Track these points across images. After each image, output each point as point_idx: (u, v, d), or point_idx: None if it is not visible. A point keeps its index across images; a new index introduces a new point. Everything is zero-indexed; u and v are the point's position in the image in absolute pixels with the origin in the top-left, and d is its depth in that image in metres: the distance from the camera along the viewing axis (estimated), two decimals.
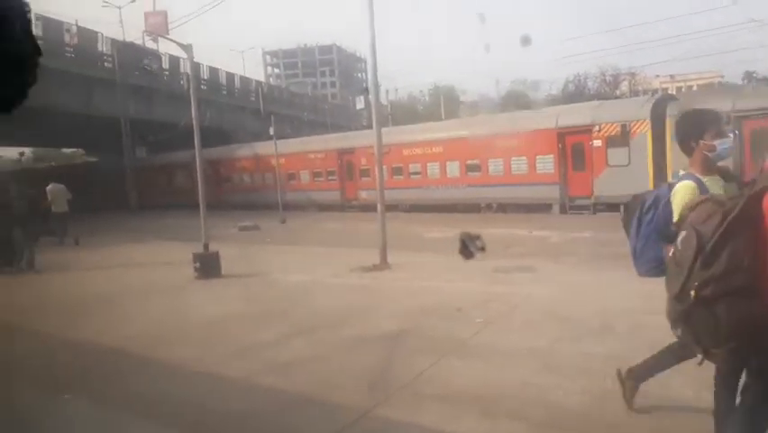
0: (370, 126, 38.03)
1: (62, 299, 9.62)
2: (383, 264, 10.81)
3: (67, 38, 28.60)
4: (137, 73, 33.09)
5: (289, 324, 7.12)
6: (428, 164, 24.41)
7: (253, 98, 43.32)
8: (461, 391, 4.76)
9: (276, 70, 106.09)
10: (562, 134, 20.74)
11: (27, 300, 9.65)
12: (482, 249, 9.55)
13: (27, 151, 48.53)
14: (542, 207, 21.17)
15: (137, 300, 9.17)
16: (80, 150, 50.16)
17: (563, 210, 20.98)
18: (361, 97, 64.90)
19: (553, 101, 47.71)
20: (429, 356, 5.53)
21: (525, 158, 21.59)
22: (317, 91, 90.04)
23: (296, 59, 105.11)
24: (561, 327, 6.27)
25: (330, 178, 28.18)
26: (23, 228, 12.70)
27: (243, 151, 32.99)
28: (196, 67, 29.74)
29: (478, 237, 9.71)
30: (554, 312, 6.88)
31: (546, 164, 21.17)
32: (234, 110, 40.32)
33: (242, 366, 5.58)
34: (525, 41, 40.79)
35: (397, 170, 24.24)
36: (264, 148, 30.03)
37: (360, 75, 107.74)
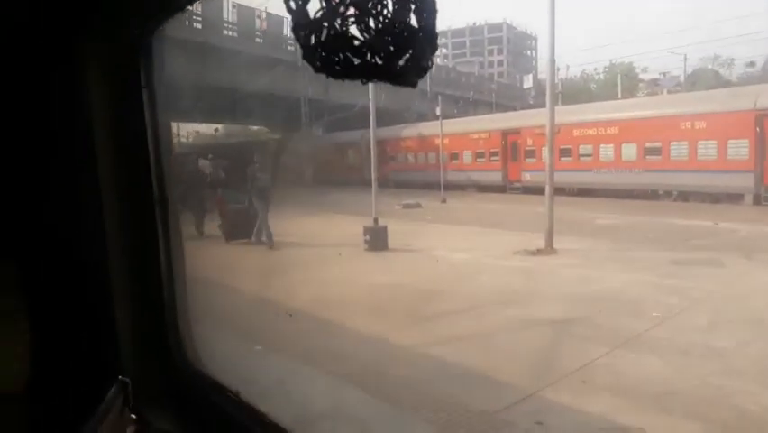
0: (536, 106, 36.59)
1: (257, 264, 10.77)
2: (549, 249, 10.59)
3: (257, 23, 31.48)
4: None
5: (454, 300, 7.35)
6: (601, 146, 23.11)
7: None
8: (634, 384, 4.62)
9: (444, 50, 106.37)
10: (761, 117, 18.36)
11: (236, 264, 10.89)
12: None
13: (220, 127, 54.20)
14: (731, 197, 19.03)
15: (317, 267, 9.99)
16: (264, 128, 54.94)
17: (757, 201, 18.66)
18: (529, 76, 62.80)
19: (750, 80, 42.07)
20: (599, 346, 5.41)
21: (714, 142, 19.50)
22: (484, 70, 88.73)
23: (464, 39, 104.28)
24: (750, 328, 5.75)
25: (493, 158, 27.90)
26: (263, 201, 12.39)
27: (408, 131, 33.83)
28: None
29: None
30: (743, 312, 6.31)
31: (740, 149, 18.93)
32: (402, 91, 41.40)
33: (413, 335, 5.93)
34: None
35: (565, 152, 23.25)
36: (428, 128, 30.50)
37: (529, 53, 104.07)
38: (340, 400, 4.61)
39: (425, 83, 43.57)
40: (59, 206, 1.34)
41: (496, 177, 27.62)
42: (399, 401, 4.65)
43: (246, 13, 30.80)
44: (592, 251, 10.65)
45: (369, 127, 16.35)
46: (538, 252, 10.46)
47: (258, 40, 32.08)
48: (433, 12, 0.57)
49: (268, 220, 12.30)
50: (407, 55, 0.56)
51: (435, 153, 28.66)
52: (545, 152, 14.84)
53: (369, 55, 0.55)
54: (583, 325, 6.16)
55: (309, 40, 0.56)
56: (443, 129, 26.37)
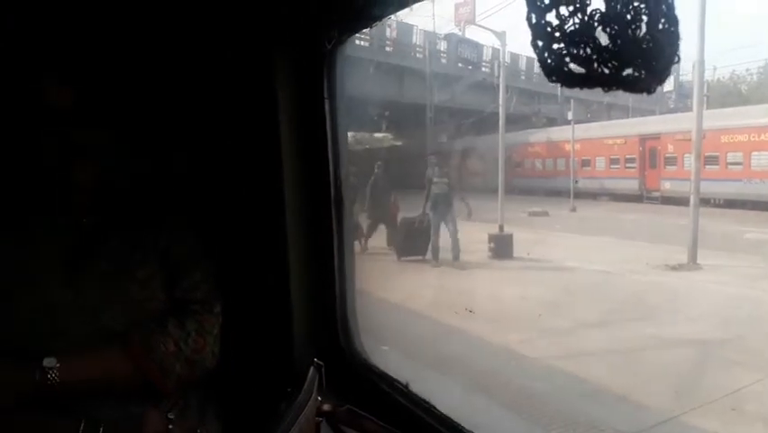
0: (677, 110, 34.10)
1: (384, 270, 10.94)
2: (692, 264, 9.81)
3: (387, 32, 32.35)
4: (443, 62, 35.58)
5: (587, 313, 7.05)
6: (753, 154, 21.00)
7: (551, 83, 42.82)
8: None
9: None
10: None
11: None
12: None
13: (349, 135, 56.19)
14: None
15: (441, 273, 10.04)
16: (388, 134, 56.18)
17: None
18: (669, 78, 58.36)
19: None
20: (752, 372, 4.94)
21: None
22: None
23: None
24: None
25: (628, 165, 26.32)
26: (442, 211, 10.72)
27: (536, 136, 32.94)
28: (497, 54, 30.56)
29: None
30: None
31: None
32: (531, 95, 40.47)
33: (543, 347, 5.79)
34: None
35: (711, 159, 21.34)
36: (558, 133, 29.52)
37: None
38: (466, 407, 4.61)
39: (555, 87, 42.31)
40: (247, 204, 1.52)
41: (631, 185, 26.10)
42: (527, 414, 4.56)
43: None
44: (743, 268, 9.69)
45: (494, 133, 16.21)
46: (680, 267, 9.73)
47: (387, 48, 32.93)
48: (673, 16, 0.58)
49: (457, 234, 10.57)
50: (646, 62, 0.57)
51: (565, 159, 27.70)
52: (689, 159, 13.79)
53: (605, 63, 0.58)
54: (733, 348, 5.65)
55: (545, 50, 0.60)
56: (575, 134, 25.42)
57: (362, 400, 1.21)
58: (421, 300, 7.95)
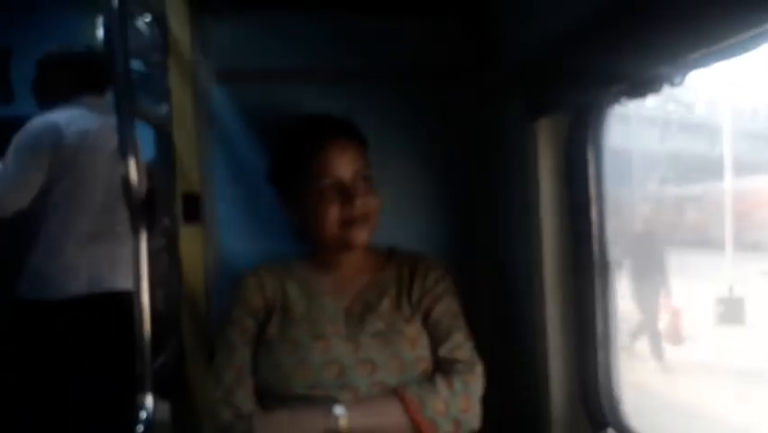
0: None
1: None
2: None
3: None
4: (648, 104, 33.37)
5: None
6: None
7: None
8: None
9: None
10: None
11: None
12: None
13: None
14: None
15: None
16: None
17: None
18: None
19: None
20: None
21: None
22: None
23: None
24: None
25: None
26: None
27: (766, 182, 28.90)
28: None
29: None
30: None
31: None
32: (757, 137, 35.93)
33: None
34: None
35: None
36: None
37: None
38: None
39: None
40: (504, 266, 1.54)
41: None
42: None
43: None
44: None
45: (715, 180, 14.62)
46: None
47: None
48: None
49: None
50: None
51: None
52: None
53: None
54: None
55: None
56: None
57: None
58: None
